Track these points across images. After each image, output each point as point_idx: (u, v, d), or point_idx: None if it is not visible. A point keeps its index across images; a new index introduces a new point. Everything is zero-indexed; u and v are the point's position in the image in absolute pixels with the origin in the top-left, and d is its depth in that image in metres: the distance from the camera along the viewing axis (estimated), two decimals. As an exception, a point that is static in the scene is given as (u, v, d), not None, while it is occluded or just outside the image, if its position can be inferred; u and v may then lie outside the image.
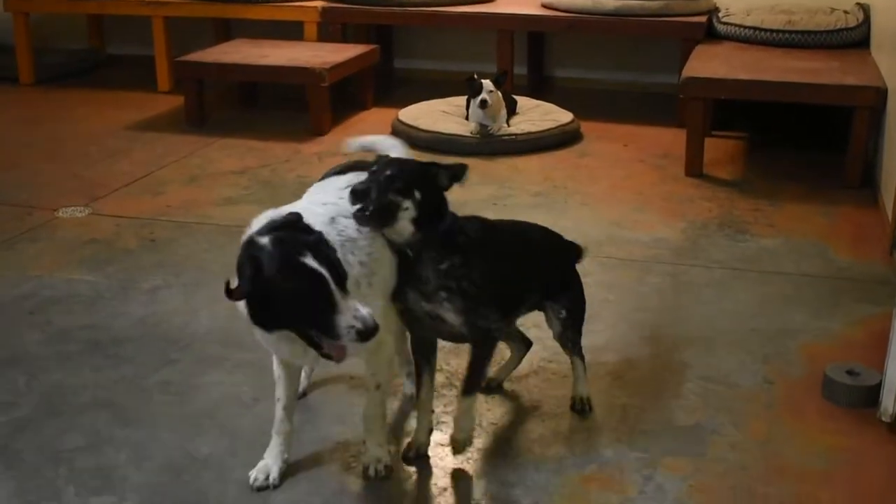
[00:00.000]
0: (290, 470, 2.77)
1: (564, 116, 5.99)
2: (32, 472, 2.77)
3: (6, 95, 7.08)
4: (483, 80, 5.70)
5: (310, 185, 4.98)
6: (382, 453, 2.77)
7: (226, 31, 7.45)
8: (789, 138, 6.01)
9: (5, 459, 2.82)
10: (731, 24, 6.23)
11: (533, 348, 3.44)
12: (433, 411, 2.96)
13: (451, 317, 2.67)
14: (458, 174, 2.74)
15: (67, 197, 4.92)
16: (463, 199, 4.74)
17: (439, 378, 3.23)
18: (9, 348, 3.46)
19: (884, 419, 3.01)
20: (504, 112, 5.81)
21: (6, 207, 4.80)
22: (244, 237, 2.45)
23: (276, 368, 2.76)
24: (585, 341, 3.45)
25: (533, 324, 3.32)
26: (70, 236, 4.45)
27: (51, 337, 3.54)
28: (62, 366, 3.34)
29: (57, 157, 5.62)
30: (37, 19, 7.49)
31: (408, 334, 2.90)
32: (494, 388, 3.22)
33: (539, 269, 3.02)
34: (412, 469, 2.82)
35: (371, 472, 2.75)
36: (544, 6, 6.66)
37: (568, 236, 4.38)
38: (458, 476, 2.79)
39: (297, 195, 4.90)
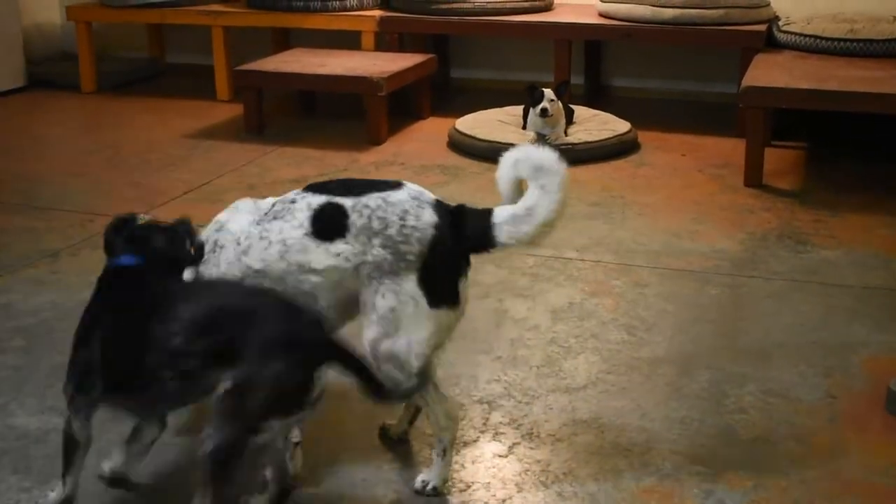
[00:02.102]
0: (344, 481, 2.78)
1: (622, 126, 5.97)
2: (94, 477, 2.79)
3: (69, 103, 7.19)
4: (544, 89, 5.69)
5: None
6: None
7: (284, 40, 7.50)
8: (851, 148, 5.93)
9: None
10: (791, 33, 6.17)
11: (591, 359, 3.43)
12: None
13: None
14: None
15: (128, 204, 4.96)
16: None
17: (496, 389, 3.23)
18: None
19: (950, 435, 2.96)
20: (563, 122, 5.79)
21: (69, 214, 4.86)
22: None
23: None
24: (644, 352, 3.45)
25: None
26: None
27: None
28: (123, 371, 3.36)
29: (118, 165, 5.69)
30: (98, 28, 7.60)
31: None
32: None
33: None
34: (470, 470, 2.81)
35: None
36: (602, 15, 6.63)
37: (625, 247, 4.40)
38: (517, 486, 2.77)
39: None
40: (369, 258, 2.57)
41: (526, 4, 6.76)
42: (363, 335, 2.62)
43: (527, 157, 2.66)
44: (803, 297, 3.95)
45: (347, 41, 6.93)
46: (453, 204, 2.70)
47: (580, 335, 3.62)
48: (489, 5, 6.69)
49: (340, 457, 2.90)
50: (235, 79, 6.53)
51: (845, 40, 5.97)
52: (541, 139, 5.65)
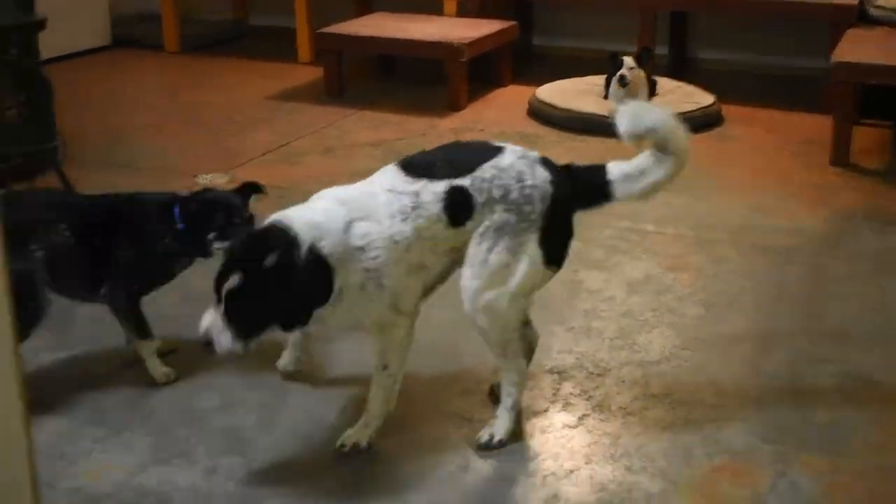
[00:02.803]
0: (414, 445, 2.78)
1: (706, 99, 5.86)
2: (166, 429, 2.83)
3: (152, 63, 7.26)
4: (624, 57, 5.60)
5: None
6: (362, 436, 2.74)
7: (367, 3, 7.47)
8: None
9: (141, 416, 2.89)
10: (884, 8, 5.98)
11: (666, 333, 3.38)
12: None
13: None
14: None
15: (207, 164, 5.01)
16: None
17: (567, 360, 3.21)
18: (148, 307, 3.51)
19: None
20: (645, 92, 5.70)
21: (149, 171, 4.91)
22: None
23: None
24: (722, 328, 3.39)
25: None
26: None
27: (187, 298, 3.59)
28: (197, 326, 3.39)
29: (198, 125, 5.73)
30: (184, -12, 7.66)
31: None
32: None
33: None
34: (538, 440, 2.79)
35: (342, 448, 2.74)
36: (689, -15, 6.51)
37: (705, 222, 4.32)
38: (585, 458, 2.74)
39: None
40: (488, 223, 2.63)
41: (612, -27, 6.66)
42: (463, 282, 2.67)
43: (647, 114, 2.73)
44: (888, 279, 3.85)
45: (429, 6, 6.88)
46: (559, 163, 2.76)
47: (656, 309, 3.57)
48: (574, -27, 6.60)
49: (409, 420, 2.89)
50: (317, 41, 6.53)
51: (941, 17, 5.78)
52: (622, 110, 5.56)
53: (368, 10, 7.31)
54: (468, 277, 2.66)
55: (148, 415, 2.90)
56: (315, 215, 2.60)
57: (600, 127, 5.48)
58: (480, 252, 2.63)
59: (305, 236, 2.52)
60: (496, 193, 2.62)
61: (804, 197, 4.66)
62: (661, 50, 6.74)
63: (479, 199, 2.62)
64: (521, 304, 2.72)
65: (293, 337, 3.02)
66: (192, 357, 3.20)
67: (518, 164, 2.66)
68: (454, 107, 5.96)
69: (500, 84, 6.51)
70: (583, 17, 7.26)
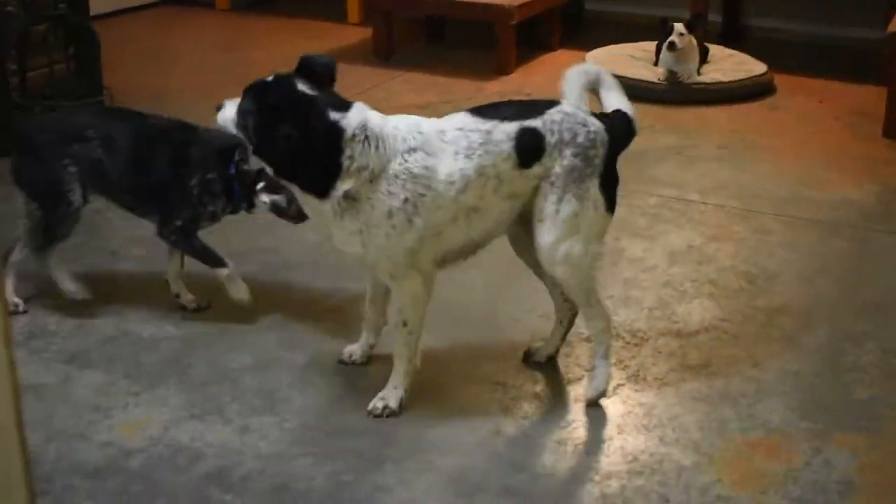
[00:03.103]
0: (445, 409, 2.78)
1: (758, 67, 5.76)
2: (201, 386, 2.85)
3: (203, 20, 7.26)
4: (675, 23, 5.52)
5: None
6: (393, 398, 2.75)
7: (418, -36, 7.42)
8: None
9: (177, 372, 2.92)
10: (946, -22, 5.85)
11: (705, 305, 3.35)
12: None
13: None
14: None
15: (253, 122, 5.01)
16: (644, 147, 4.65)
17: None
18: (186, 265, 3.55)
19: None
20: (696, 59, 5.62)
21: (195, 129, 4.92)
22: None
23: None
24: (763, 301, 3.36)
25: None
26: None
27: (227, 256, 3.61)
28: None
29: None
30: (236, -54, 7.64)
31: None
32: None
33: None
34: (572, 408, 2.78)
35: (374, 411, 2.74)
36: (745, -49, 6.39)
37: (751, 192, 4.27)
38: (618, 427, 2.73)
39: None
40: (558, 169, 2.67)
41: (666, -63, 6.56)
42: (538, 240, 2.70)
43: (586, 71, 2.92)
44: (935, 255, 3.79)
45: (481, -32, 6.82)
46: None
47: (697, 279, 3.53)
48: (628, -63, 6.50)
49: (441, 385, 2.89)
50: (366, 2, 6.50)
51: None
52: (672, 76, 5.50)
53: (419, -29, 7.25)
54: (543, 233, 2.70)
55: (184, 371, 2.92)
56: (386, 125, 2.64)
57: (650, 93, 5.44)
58: (550, 204, 2.68)
59: (355, 122, 2.61)
60: (566, 136, 2.67)
61: (853, 169, 4.58)
62: (715, 17, 6.64)
63: (549, 139, 2.66)
64: (596, 250, 2.77)
65: (367, 321, 2.98)
66: (227, 315, 3.22)
67: (578, 112, 2.73)
68: (502, 70, 5.92)
69: (549, 48, 6.44)
70: (635, -18, 7.16)
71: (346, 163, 2.57)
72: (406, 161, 2.59)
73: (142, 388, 2.84)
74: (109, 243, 3.73)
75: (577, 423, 2.76)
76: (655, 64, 5.72)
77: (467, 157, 2.61)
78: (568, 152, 2.66)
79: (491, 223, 2.72)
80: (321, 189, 2.63)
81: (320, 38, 6.68)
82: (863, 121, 5.20)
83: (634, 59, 5.87)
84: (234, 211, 3.23)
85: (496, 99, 5.41)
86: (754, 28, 6.99)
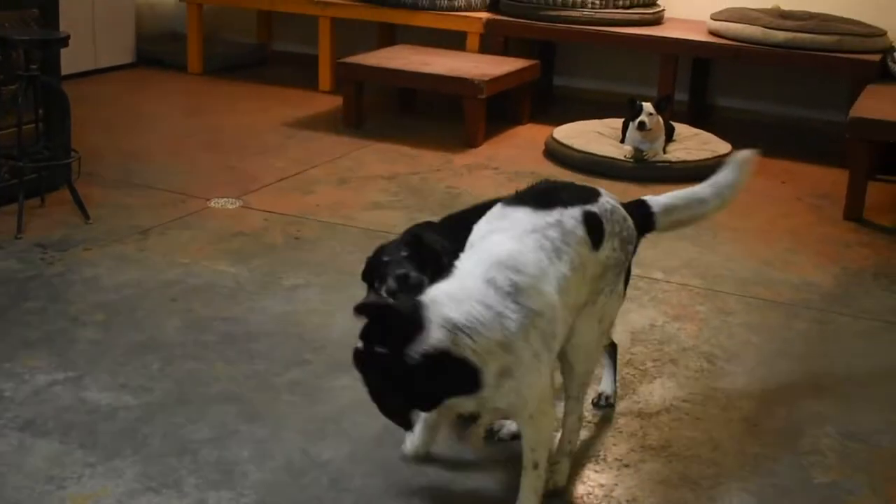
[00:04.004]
0: (395, 497, 2.76)
1: (722, 147, 5.84)
2: (158, 458, 2.82)
3: (174, 83, 7.30)
4: (644, 103, 5.60)
5: (457, 196, 5.00)
6: None
7: (390, 35, 7.51)
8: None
9: (134, 443, 2.88)
10: (907, 65, 5.98)
11: (667, 385, 3.36)
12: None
13: None
14: None
15: (221, 188, 5.03)
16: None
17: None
18: (148, 332, 3.54)
19: None
20: (662, 137, 5.70)
21: (163, 193, 4.93)
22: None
23: None
24: (724, 382, 3.38)
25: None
26: (219, 227, 4.54)
27: (189, 325, 3.61)
28: (197, 355, 3.40)
29: (215, 148, 5.75)
30: (209, 11, 7.69)
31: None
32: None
33: None
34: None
35: None
36: (711, 33, 6.51)
37: (714, 272, 4.30)
38: (577, 510, 2.73)
39: (444, 205, 4.94)
40: (611, 262, 2.69)
41: (635, 17, 6.67)
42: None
43: None
44: (894, 339, 3.82)
45: (453, 41, 6.91)
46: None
47: (658, 359, 3.55)
48: (598, 15, 6.61)
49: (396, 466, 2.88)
50: (338, 71, 6.56)
51: (963, 77, 5.76)
52: (638, 154, 5.56)
53: (392, 43, 7.34)
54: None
55: (140, 442, 2.89)
56: (464, 304, 2.36)
57: (616, 170, 5.51)
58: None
59: (440, 334, 2.32)
60: (616, 228, 2.69)
61: (815, 251, 4.64)
62: (681, 96, 6.75)
63: (606, 226, 2.66)
64: (607, 341, 2.90)
65: (426, 418, 2.83)
66: (187, 385, 3.20)
67: (618, 204, 2.76)
68: (470, 143, 5.97)
69: (518, 122, 6.52)
70: (604, 60, 7.27)
71: (477, 376, 2.36)
72: (518, 307, 2.38)
73: (97, 458, 2.80)
74: (70, 308, 3.70)
75: None
76: (622, 141, 5.80)
77: (559, 258, 2.50)
78: (617, 244, 2.68)
79: (576, 314, 2.64)
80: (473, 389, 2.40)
81: (290, 105, 6.73)
82: (825, 203, 5.27)
83: (601, 135, 5.94)
84: None
85: (463, 172, 5.48)
86: (720, 108, 7.10)
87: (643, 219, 2.84)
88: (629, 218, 2.74)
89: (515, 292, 2.39)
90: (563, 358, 2.71)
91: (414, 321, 2.32)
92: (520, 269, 2.42)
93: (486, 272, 2.41)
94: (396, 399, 2.44)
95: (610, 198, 2.74)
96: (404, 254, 2.88)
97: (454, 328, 2.31)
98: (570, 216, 2.57)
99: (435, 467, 2.85)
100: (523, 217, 2.55)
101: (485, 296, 2.37)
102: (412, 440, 2.84)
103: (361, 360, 2.41)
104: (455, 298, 2.36)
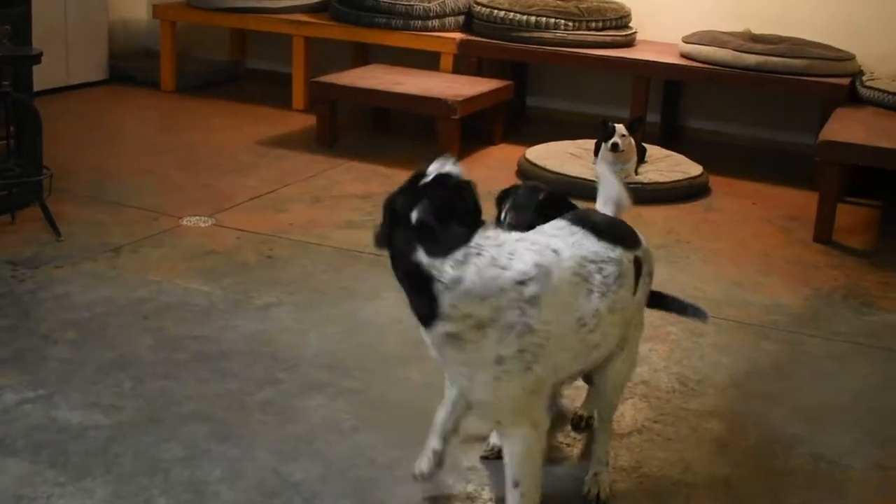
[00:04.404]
0: (380, 505, 2.76)
1: (694, 169, 5.89)
2: (129, 477, 2.80)
3: (147, 100, 7.28)
4: (616, 124, 5.64)
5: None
6: None
7: (364, 54, 7.52)
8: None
9: (105, 462, 2.86)
10: (874, 89, 6.04)
11: (638, 406, 3.38)
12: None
13: None
14: None
15: (194, 206, 5.01)
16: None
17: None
18: (120, 350, 3.52)
19: None
20: (634, 159, 5.73)
21: (136, 211, 4.91)
22: None
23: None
24: (694, 404, 3.39)
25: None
26: (192, 245, 4.53)
27: (161, 343, 3.60)
28: (169, 374, 3.39)
29: (188, 166, 5.74)
30: (183, 28, 7.68)
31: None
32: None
33: None
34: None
35: None
36: (683, 56, 6.56)
37: (685, 292, 4.32)
38: (549, 530, 2.73)
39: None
40: (642, 297, 2.76)
41: (607, 39, 6.72)
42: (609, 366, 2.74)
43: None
44: (864, 361, 3.86)
45: (426, 61, 6.93)
46: None
47: (630, 380, 3.55)
48: (570, 36, 6.65)
49: (379, 484, 2.87)
50: (311, 90, 6.56)
51: (930, 101, 5.83)
52: (610, 175, 5.58)
53: (366, 62, 7.35)
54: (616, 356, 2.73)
55: (112, 461, 2.87)
56: (492, 266, 2.32)
57: (588, 191, 5.48)
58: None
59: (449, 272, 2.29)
60: (647, 267, 2.76)
61: (785, 273, 4.68)
62: (653, 117, 6.79)
63: (644, 268, 2.72)
64: (635, 367, 2.94)
65: (436, 423, 2.78)
66: (159, 404, 3.19)
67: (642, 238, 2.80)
68: (444, 163, 5.96)
69: (491, 143, 6.54)
70: (577, 81, 7.31)
71: (446, 309, 2.30)
72: (524, 314, 2.33)
73: (68, 478, 2.78)
74: (41, 326, 3.68)
75: None
76: (594, 162, 5.82)
77: (602, 295, 2.48)
78: (647, 281, 2.77)
79: (605, 350, 2.63)
80: (423, 319, 2.36)
81: (264, 123, 6.72)
82: (795, 225, 5.32)
83: (574, 156, 5.97)
84: None
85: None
86: (691, 129, 7.16)
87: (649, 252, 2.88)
88: (650, 252, 2.81)
89: (525, 301, 2.33)
90: (594, 385, 2.93)
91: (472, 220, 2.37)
92: (548, 286, 2.37)
93: (532, 258, 2.37)
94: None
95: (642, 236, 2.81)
96: (540, 197, 2.97)
97: (472, 259, 2.29)
98: (628, 259, 2.61)
99: (412, 488, 2.85)
100: (587, 244, 2.54)
101: (512, 278, 2.32)
102: (423, 461, 2.77)
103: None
104: (495, 256, 2.33)
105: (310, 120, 6.61)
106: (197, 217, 4.86)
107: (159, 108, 7.16)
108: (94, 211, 4.87)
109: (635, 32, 6.92)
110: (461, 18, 7.05)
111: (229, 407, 3.21)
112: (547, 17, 6.66)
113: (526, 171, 5.83)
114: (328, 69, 6.76)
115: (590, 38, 6.67)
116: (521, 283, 2.32)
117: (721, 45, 6.35)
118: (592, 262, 2.50)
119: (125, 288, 4.03)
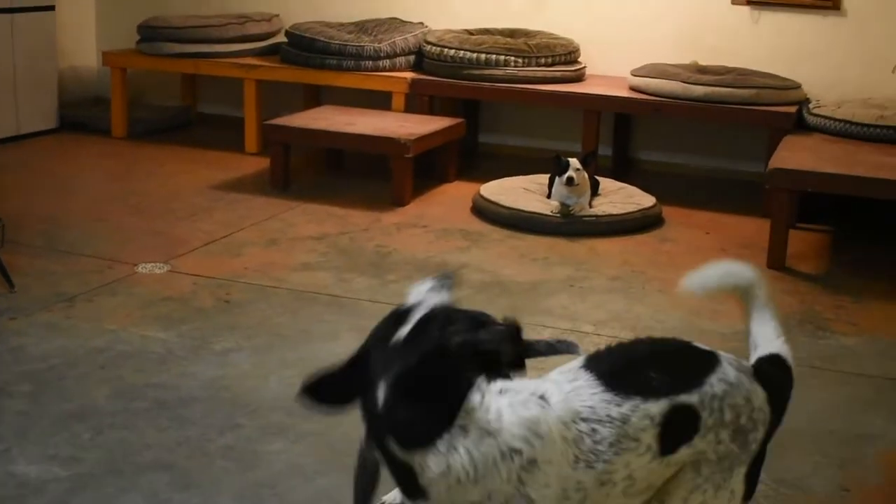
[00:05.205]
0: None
1: (647, 200, 5.94)
2: (89, 530, 2.77)
3: (99, 148, 7.24)
4: (570, 159, 5.68)
5: (387, 254, 5.02)
6: None
7: (315, 96, 7.54)
8: (878, 235, 5.88)
9: (64, 516, 2.83)
10: (821, 116, 6.14)
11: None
12: None
13: None
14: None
15: (148, 253, 4.98)
16: (538, 279, 4.73)
17: None
18: (77, 401, 3.48)
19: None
20: (587, 192, 5.78)
21: (89, 259, 4.87)
22: None
23: None
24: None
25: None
26: (147, 292, 4.49)
27: (119, 393, 3.56)
28: (128, 423, 3.35)
29: (141, 212, 5.70)
30: (133, 75, 7.67)
31: None
32: None
33: None
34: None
35: None
36: (632, 88, 6.64)
37: (643, 323, 4.36)
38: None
39: (374, 264, 4.96)
40: (711, 455, 2.12)
41: (557, 74, 6.79)
42: None
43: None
44: (821, 384, 3.89)
45: (378, 101, 6.96)
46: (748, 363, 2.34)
47: None
48: (521, 73, 6.71)
49: (340, 524, 2.85)
50: (264, 133, 6.57)
51: (875, 126, 5.93)
52: (565, 209, 5.63)
53: (318, 103, 7.37)
54: None
55: (72, 515, 2.83)
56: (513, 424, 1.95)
57: (543, 226, 5.57)
58: (681, 490, 2.12)
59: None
60: (728, 416, 2.11)
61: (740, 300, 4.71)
62: (605, 151, 6.86)
63: (706, 419, 2.09)
64: None
65: None
66: (118, 454, 3.15)
67: (743, 379, 2.17)
68: (398, 202, 5.99)
69: (445, 180, 6.57)
70: (528, 117, 7.37)
71: (437, 497, 1.95)
72: (523, 484, 1.93)
73: (26, 533, 2.74)
74: (-4, 379, 3.64)
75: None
76: (549, 196, 5.86)
77: (588, 466, 1.99)
78: (725, 435, 2.11)
79: None
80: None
81: (217, 168, 6.71)
82: (749, 253, 5.36)
83: (528, 191, 6.00)
84: None
85: (392, 230, 5.50)
86: (643, 161, 7.23)
87: (784, 382, 2.31)
88: (757, 398, 2.17)
89: (530, 465, 1.95)
90: None
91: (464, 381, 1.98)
92: (544, 440, 1.97)
93: (518, 414, 1.98)
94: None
95: (730, 373, 2.15)
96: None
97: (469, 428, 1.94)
98: (645, 414, 2.03)
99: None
100: (587, 393, 2.05)
101: (506, 444, 1.95)
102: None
103: None
104: (483, 425, 1.95)
105: (263, 163, 6.60)
106: (152, 264, 4.83)
107: (111, 155, 7.12)
108: (47, 261, 4.83)
109: (584, 67, 6.99)
110: (412, 58, 7.10)
111: (190, 454, 3.18)
112: (497, 54, 6.72)
113: (481, 207, 5.86)
114: (280, 112, 6.77)
115: (539, 74, 6.74)
116: (515, 449, 1.94)
117: (669, 77, 6.43)
118: (585, 420, 2.02)
119: (81, 338, 3.98)
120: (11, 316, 4.16)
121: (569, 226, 5.59)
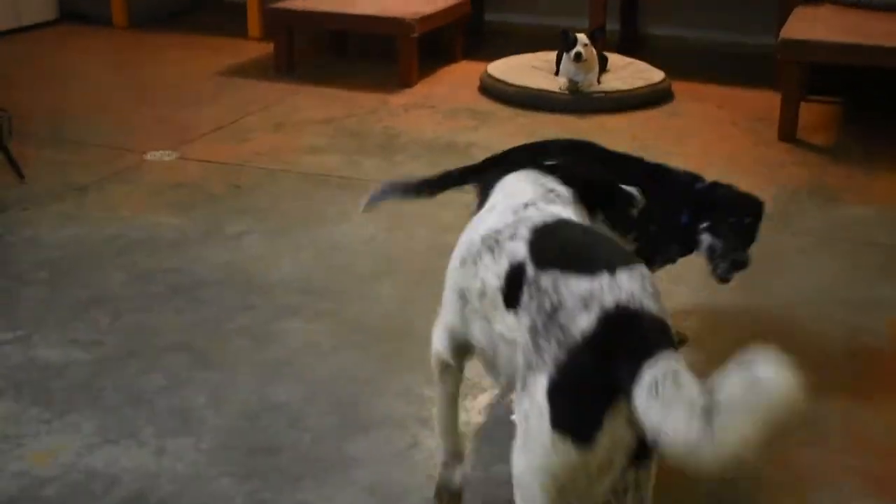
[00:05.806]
0: (363, 423, 2.78)
1: (656, 75, 5.88)
2: (114, 410, 2.81)
3: (100, 38, 7.16)
4: (578, 34, 5.61)
5: (396, 136, 5.01)
6: None
7: (318, -22, 7.41)
8: (889, 105, 5.83)
9: (88, 397, 2.87)
10: (832, -15, 6.03)
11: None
12: None
13: None
14: None
15: (156, 141, 4.97)
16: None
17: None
18: (94, 288, 3.51)
19: (974, 399, 2.92)
20: (596, 68, 5.71)
21: (97, 149, 4.86)
22: None
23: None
24: (669, 303, 3.42)
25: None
26: (157, 180, 4.50)
27: (135, 278, 3.59)
28: (145, 307, 3.39)
29: (147, 101, 5.67)
30: (133, -38, 7.55)
31: None
32: None
33: None
34: (476, 423, 2.81)
35: None
36: (640, -39, 6.52)
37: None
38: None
39: (383, 146, 4.96)
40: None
41: (563, -52, 6.66)
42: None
43: None
44: (832, 254, 3.91)
45: (381, -19, 6.84)
46: None
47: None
48: (525, -52, 6.60)
49: (356, 399, 2.90)
50: (267, 17, 6.49)
51: (888, -7, 5.83)
52: (573, 86, 5.58)
53: (320, -15, 7.24)
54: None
55: (95, 396, 2.88)
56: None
57: (552, 103, 5.53)
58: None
59: None
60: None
61: (752, 173, 4.69)
62: (612, 26, 6.76)
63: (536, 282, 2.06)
64: None
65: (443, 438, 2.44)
66: (136, 337, 3.19)
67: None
68: (405, 83, 5.95)
69: (451, 60, 6.50)
70: (534, -7, 7.26)
71: None
72: None
73: (52, 415, 2.78)
74: (12, 268, 3.66)
75: (492, 431, 2.78)
76: (556, 74, 5.81)
77: (493, 258, 2.09)
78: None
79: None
80: None
81: (221, 54, 6.64)
82: (760, 126, 5.34)
83: (536, 69, 5.95)
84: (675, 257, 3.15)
85: (400, 112, 5.47)
86: (651, 36, 7.14)
87: None
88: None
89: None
90: None
91: None
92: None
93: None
94: None
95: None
96: None
97: None
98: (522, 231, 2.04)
99: (395, 403, 2.88)
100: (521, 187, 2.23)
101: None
102: (449, 475, 2.44)
103: None
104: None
105: (267, 48, 6.53)
106: (160, 151, 4.83)
107: (113, 44, 7.05)
108: (55, 152, 4.82)
109: (590, -60, 6.84)
110: (414, -64, 6.96)
111: (207, 335, 3.22)
112: (500, -71, 6.59)
113: (488, 86, 5.81)
114: (283, -5, 6.68)
115: (545, -51, 6.61)
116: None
117: (677, -52, 6.31)
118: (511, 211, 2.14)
119: (94, 226, 4.00)
120: (24, 206, 4.18)
121: (577, 103, 5.55)
